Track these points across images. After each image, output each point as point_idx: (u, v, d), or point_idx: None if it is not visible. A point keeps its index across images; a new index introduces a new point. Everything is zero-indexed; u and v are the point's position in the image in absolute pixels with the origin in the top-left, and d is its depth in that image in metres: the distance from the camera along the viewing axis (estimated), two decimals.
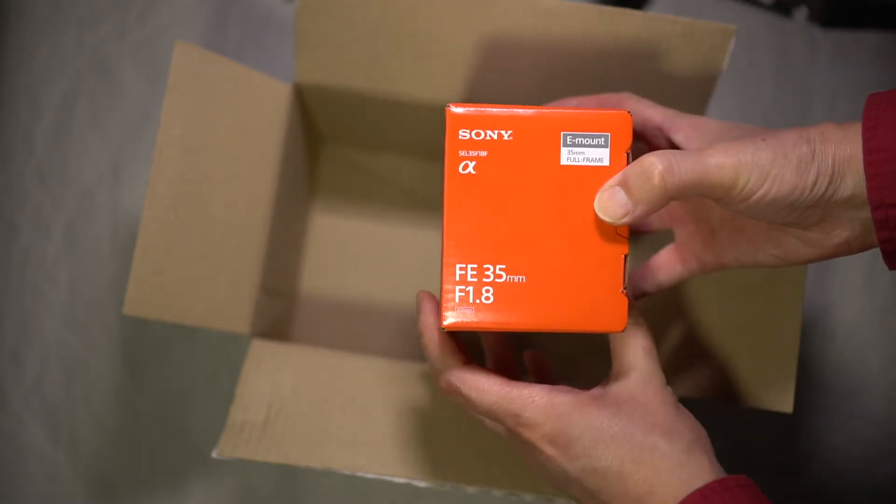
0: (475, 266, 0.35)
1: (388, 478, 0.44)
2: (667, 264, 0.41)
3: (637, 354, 0.36)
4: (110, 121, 0.61)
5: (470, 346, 0.39)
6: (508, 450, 0.43)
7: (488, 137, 0.35)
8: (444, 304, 0.35)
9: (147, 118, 0.61)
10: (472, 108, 0.35)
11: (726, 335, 0.47)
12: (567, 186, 0.35)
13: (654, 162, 0.32)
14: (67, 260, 0.59)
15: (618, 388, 0.36)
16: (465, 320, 0.35)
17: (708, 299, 0.48)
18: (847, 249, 0.35)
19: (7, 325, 0.59)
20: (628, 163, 0.34)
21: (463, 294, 0.35)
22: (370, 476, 0.44)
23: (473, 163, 0.35)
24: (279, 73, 0.58)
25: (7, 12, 0.62)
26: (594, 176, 0.35)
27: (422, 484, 0.44)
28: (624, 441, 0.34)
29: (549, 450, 0.35)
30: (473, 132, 0.35)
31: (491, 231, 0.35)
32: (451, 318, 0.35)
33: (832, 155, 0.32)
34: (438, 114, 0.51)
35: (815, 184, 0.32)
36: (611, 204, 0.33)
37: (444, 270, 0.35)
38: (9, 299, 0.59)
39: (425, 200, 0.58)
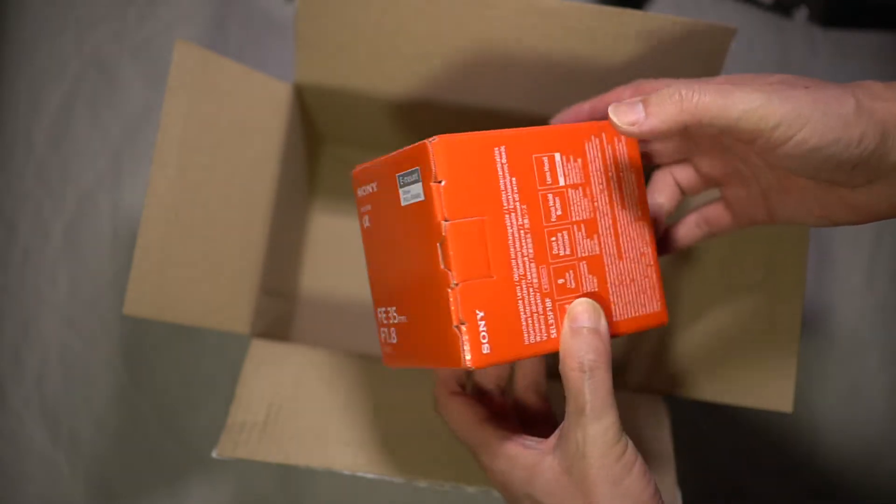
0: (384, 309, 0.37)
1: (388, 478, 0.44)
2: (717, 219, 0.40)
3: (567, 421, 0.33)
4: (110, 121, 0.61)
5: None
6: None
7: (368, 191, 0.36)
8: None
9: (147, 118, 0.61)
10: (365, 165, 0.36)
11: (726, 335, 0.47)
12: (411, 226, 0.34)
13: (678, 86, 0.31)
14: (67, 260, 0.59)
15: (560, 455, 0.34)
16: (386, 359, 0.37)
17: (708, 299, 0.48)
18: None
19: (7, 325, 0.59)
20: (439, 193, 0.32)
21: (384, 334, 0.37)
22: (370, 476, 0.44)
23: (367, 217, 0.37)
24: (279, 73, 0.58)
25: (7, 13, 0.62)
26: (421, 212, 0.33)
27: (422, 484, 0.44)
28: None
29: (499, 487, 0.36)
30: (361, 188, 0.37)
31: (385, 276, 0.36)
32: (384, 358, 0.38)
33: (882, 112, 0.30)
34: (439, 114, 0.51)
35: (860, 139, 0.30)
36: (624, 109, 0.32)
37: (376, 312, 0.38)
38: (9, 299, 0.59)
39: None
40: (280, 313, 0.54)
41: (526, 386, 0.40)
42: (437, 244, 0.32)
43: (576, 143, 0.35)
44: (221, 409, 0.56)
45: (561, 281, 0.34)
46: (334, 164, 0.59)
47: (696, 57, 0.44)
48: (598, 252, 0.35)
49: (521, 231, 0.33)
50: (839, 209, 0.34)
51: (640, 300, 0.36)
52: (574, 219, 0.34)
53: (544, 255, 0.33)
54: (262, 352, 0.48)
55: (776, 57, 0.63)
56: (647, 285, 0.37)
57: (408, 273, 0.34)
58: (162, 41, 0.62)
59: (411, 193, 0.33)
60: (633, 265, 0.36)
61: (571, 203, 0.34)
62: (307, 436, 0.44)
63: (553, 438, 0.34)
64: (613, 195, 0.36)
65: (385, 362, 0.37)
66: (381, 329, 0.37)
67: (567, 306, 0.34)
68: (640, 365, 0.50)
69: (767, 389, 0.46)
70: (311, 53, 0.47)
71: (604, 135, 0.36)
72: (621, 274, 0.36)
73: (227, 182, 0.46)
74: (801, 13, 0.64)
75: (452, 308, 0.32)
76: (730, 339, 0.47)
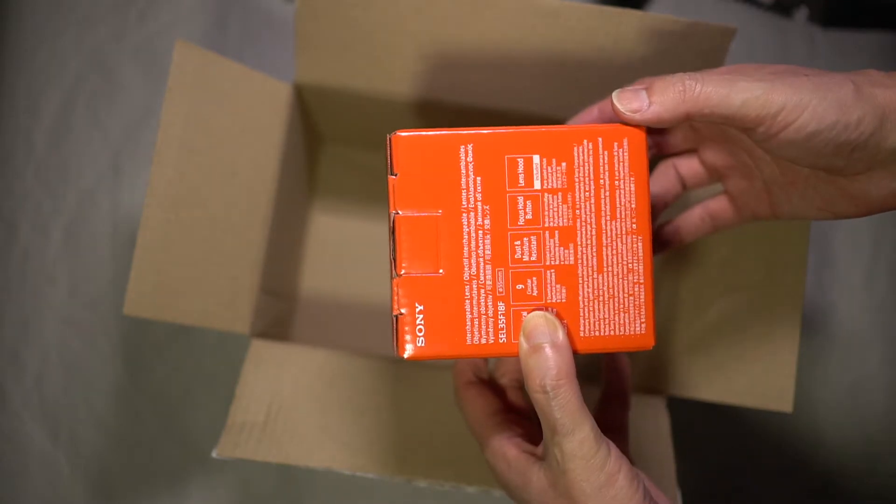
0: None
1: (388, 478, 0.44)
2: (721, 212, 0.40)
3: (544, 437, 0.33)
4: (110, 121, 0.61)
5: None
6: None
7: None
8: None
9: (147, 118, 0.61)
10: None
11: (726, 335, 0.47)
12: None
13: (681, 75, 0.32)
14: (67, 260, 0.59)
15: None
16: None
17: (708, 299, 0.48)
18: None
19: (7, 325, 0.59)
20: (392, 185, 0.33)
21: None
22: (370, 476, 0.44)
23: None
24: (279, 73, 0.58)
25: (7, 13, 0.62)
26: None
27: (422, 484, 0.44)
28: None
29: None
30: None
31: None
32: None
33: (881, 97, 0.31)
34: (439, 114, 0.51)
35: (859, 122, 0.30)
36: (628, 95, 0.33)
37: None
38: (9, 299, 0.59)
39: None
40: (280, 313, 0.54)
41: (508, 384, 0.40)
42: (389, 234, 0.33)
43: (563, 146, 0.34)
44: (221, 409, 0.56)
45: (521, 287, 0.33)
46: (334, 164, 0.59)
47: (696, 57, 0.44)
48: (572, 262, 0.34)
49: (480, 231, 0.33)
50: (840, 200, 0.34)
51: (619, 319, 0.34)
52: (547, 224, 0.34)
53: (504, 257, 0.33)
54: (262, 352, 0.48)
55: (776, 57, 0.63)
56: (632, 304, 0.34)
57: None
58: (162, 41, 0.62)
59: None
60: (616, 280, 0.34)
61: (546, 208, 0.34)
62: (307, 436, 0.44)
63: (541, 447, 0.34)
64: (602, 204, 0.34)
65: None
66: None
67: (524, 314, 0.33)
68: (640, 365, 0.50)
69: (767, 389, 0.46)
70: (311, 53, 0.47)
71: (601, 139, 0.34)
72: (598, 288, 0.34)
73: (227, 182, 0.46)
74: (801, 13, 0.64)
75: (394, 298, 0.33)
76: (730, 340, 0.47)
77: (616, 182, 0.34)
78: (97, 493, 0.57)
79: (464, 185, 0.33)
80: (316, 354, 0.48)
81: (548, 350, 0.32)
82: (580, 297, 0.34)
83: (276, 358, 0.47)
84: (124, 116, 0.61)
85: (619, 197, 0.34)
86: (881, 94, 0.31)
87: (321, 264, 0.58)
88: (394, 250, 0.33)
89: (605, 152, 0.34)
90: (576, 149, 0.34)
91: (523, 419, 0.38)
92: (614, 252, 0.34)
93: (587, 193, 0.34)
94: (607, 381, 0.43)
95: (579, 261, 0.34)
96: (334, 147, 0.59)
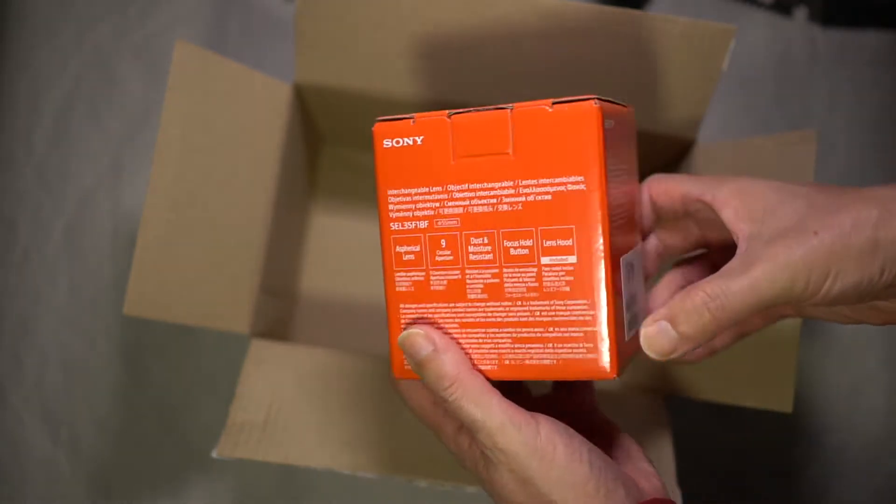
0: None
1: (388, 478, 0.44)
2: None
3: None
4: (110, 121, 0.61)
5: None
6: None
7: None
8: None
9: (147, 118, 0.61)
10: None
11: None
12: None
13: (704, 299, 0.30)
14: (67, 260, 0.59)
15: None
16: None
17: None
18: None
19: (7, 325, 0.59)
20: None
21: None
22: (370, 476, 0.44)
23: None
24: (279, 73, 0.58)
25: (7, 12, 0.62)
26: None
27: (422, 484, 0.44)
28: None
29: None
30: None
31: None
32: None
33: (894, 233, 0.30)
34: None
35: (882, 272, 0.30)
36: (658, 339, 0.31)
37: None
38: (9, 299, 0.59)
39: None
40: (280, 313, 0.54)
41: None
42: None
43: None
44: (221, 409, 0.56)
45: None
46: (334, 164, 0.59)
47: (696, 57, 0.44)
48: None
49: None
50: (871, 314, 0.34)
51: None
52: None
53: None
54: (262, 352, 0.48)
55: (776, 57, 0.63)
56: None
57: None
58: (162, 41, 0.62)
59: None
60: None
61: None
62: (307, 436, 0.44)
63: None
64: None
65: None
66: None
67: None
68: (639, 365, 0.50)
69: (767, 389, 0.46)
70: (311, 53, 0.47)
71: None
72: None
73: (227, 182, 0.46)
74: (801, 13, 0.64)
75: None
76: None
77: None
78: (97, 493, 0.57)
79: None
80: (316, 354, 0.48)
81: (431, 362, 0.32)
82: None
83: (276, 358, 0.47)
84: (124, 116, 0.61)
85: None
86: (893, 230, 0.30)
87: (321, 264, 0.58)
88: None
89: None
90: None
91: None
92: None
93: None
94: None
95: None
96: (334, 147, 0.59)
